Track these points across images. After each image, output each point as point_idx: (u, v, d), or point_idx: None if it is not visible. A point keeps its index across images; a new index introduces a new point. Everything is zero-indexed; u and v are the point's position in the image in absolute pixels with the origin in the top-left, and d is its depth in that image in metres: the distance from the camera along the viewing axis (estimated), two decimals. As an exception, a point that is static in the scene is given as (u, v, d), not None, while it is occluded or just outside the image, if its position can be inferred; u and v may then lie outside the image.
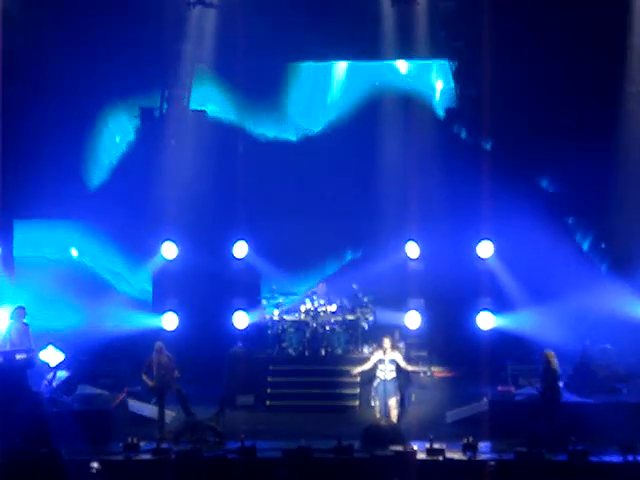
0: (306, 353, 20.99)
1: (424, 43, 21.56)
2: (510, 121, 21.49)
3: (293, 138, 23.65)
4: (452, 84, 22.11)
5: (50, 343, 19.61)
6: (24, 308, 19.20)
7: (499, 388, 19.08)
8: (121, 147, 23.15)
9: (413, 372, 19.10)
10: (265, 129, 23.54)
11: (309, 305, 21.31)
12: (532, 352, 19.99)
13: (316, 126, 23.66)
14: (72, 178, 22.12)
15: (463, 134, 22.40)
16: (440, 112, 22.85)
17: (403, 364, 18.31)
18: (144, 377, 18.63)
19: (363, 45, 22.09)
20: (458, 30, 21.47)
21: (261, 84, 22.70)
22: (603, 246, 21.96)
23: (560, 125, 21.37)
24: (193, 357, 21.07)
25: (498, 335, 20.88)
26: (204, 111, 22.57)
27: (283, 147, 23.46)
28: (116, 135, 23.15)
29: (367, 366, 18.46)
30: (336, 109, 23.54)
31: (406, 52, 22.00)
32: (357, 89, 23.29)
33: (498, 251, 21.21)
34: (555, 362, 17.40)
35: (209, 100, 23.15)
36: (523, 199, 20.62)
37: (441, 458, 16.29)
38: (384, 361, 18.44)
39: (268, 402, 20.05)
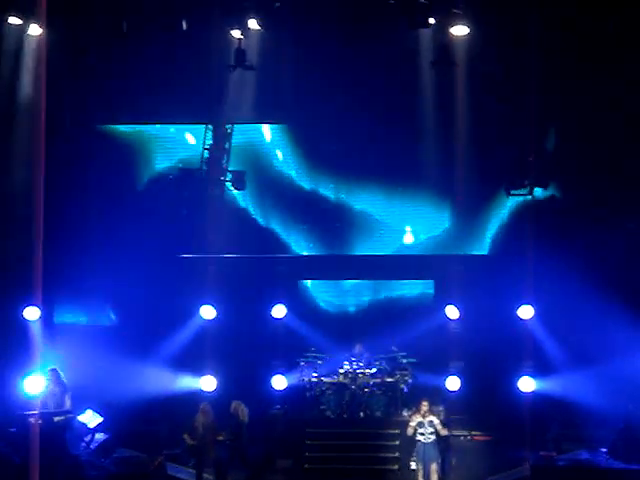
0: (345, 416, 20.80)
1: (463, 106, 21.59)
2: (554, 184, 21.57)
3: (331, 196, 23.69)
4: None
5: (88, 406, 19.68)
6: (57, 370, 19.32)
7: (541, 453, 18.84)
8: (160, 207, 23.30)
9: (448, 435, 18.83)
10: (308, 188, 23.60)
11: (348, 367, 21.17)
12: (574, 416, 19.75)
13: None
14: (112, 241, 22.26)
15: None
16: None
17: (439, 428, 18.12)
18: (185, 436, 18.61)
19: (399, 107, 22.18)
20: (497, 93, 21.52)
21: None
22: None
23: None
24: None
25: (540, 398, 20.59)
26: (244, 172, 22.64)
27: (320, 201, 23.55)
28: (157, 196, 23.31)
29: (409, 431, 18.29)
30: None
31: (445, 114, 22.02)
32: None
33: (539, 313, 21.02)
34: None
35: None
36: (565, 261, 20.52)
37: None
38: (424, 424, 18.31)
39: (306, 465, 19.86)
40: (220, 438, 18.82)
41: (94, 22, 20.71)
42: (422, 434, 18.31)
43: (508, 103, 21.50)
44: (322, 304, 23.04)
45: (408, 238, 23.37)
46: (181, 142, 23.27)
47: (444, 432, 18.35)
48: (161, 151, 23.23)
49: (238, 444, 19.15)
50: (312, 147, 22.93)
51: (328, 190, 23.26)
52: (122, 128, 22.96)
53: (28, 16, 20.31)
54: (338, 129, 22.34)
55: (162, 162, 23.28)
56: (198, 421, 18.70)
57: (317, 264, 23.21)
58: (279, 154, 23.29)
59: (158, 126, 23.10)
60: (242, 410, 19.40)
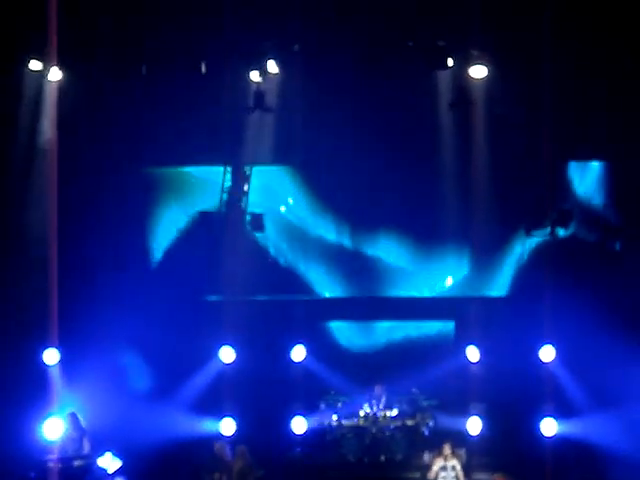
0: (365, 460, 20.66)
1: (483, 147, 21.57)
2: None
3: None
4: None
5: (107, 450, 19.57)
6: (75, 414, 19.25)
7: (564, 497, 18.66)
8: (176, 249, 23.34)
9: None
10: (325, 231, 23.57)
11: (368, 410, 21.04)
12: (598, 460, 19.53)
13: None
14: (131, 281, 22.25)
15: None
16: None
17: (460, 475, 17.99)
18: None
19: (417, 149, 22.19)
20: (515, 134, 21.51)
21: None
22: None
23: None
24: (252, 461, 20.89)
25: (562, 442, 20.37)
26: (262, 214, 22.64)
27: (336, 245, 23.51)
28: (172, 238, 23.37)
29: (431, 476, 18.13)
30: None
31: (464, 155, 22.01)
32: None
33: (561, 354, 20.87)
34: None
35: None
36: (585, 301, 20.40)
37: None
38: (446, 468, 18.18)
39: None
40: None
41: (114, 65, 20.77)
42: (444, 478, 18.18)
43: (526, 143, 21.49)
44: (342, 345, 22.89)
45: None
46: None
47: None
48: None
49: None
50: (326, 190, 22.94)
51: (344, 235, 23.27)
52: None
53: (48, 61, 20.40)
54: (354, 172, 22.35)
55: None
56: (236, 464, 18.80)
57: (336, 306, 23.13)
58: (290, 200, 23.34)
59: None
60: (226, 450, 19.41)
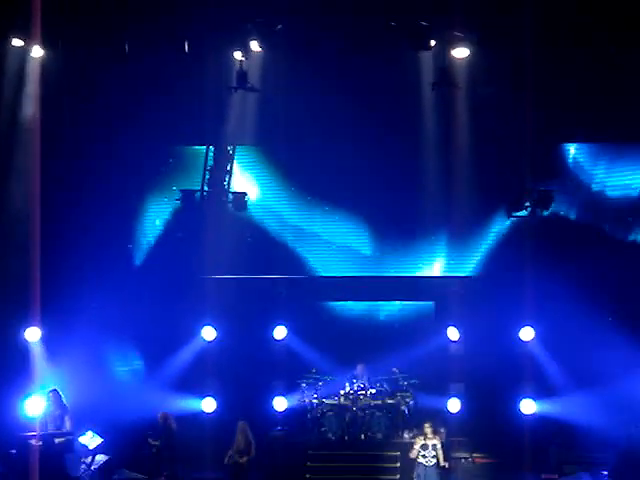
0: (346, 438, 20.73)
1: (464, 129, 21.63)
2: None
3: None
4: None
5: (89, 428, 19.63)
6: (57, 391, 19.28)
7: (543, 476, 18.80)
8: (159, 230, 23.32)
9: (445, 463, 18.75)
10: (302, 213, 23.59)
11: (349, 388, 21.13)
12: (576, 438, 19.72)
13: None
14: (112, 261, 22.25)
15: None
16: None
17: (440, 455, 18.11)
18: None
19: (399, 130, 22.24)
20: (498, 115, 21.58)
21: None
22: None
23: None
24: (232, 441, 20.98)
25: (541, 420, 20.59)
26: (245, 193, 22.66)
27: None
28: (156, 219, 23.31)
29: (413, 454, 18.23)
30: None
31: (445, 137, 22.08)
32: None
33: (540, 335, 21.01)
34: None
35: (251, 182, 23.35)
36: (565, 281, 20.54)
37: None
38: (427, 447, 18.30)
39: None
40: (242, 460, 19.14)
41: (96, 43, 20.72)
42: (424, 456, 18.29)
43: (508, 125, 21.57)
44: (323, 325, 22.93)
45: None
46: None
47: (443, 462, 18.31)
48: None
49: (169, 455, 19.32)
50: (305, 171, 22.94)
51: (322, 214, 23.32)
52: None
53: (31, 38, 20.35)
54: (334, 152, 22.36)
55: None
56: (236, 439, 19.13)
57: (318, 285, 23.20)
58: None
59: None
60: (171, 419, 19.58)
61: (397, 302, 23.27)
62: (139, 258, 23.15)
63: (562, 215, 22.33)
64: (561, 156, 22.45)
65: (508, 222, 22.29)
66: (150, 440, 19.37)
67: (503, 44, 20.78)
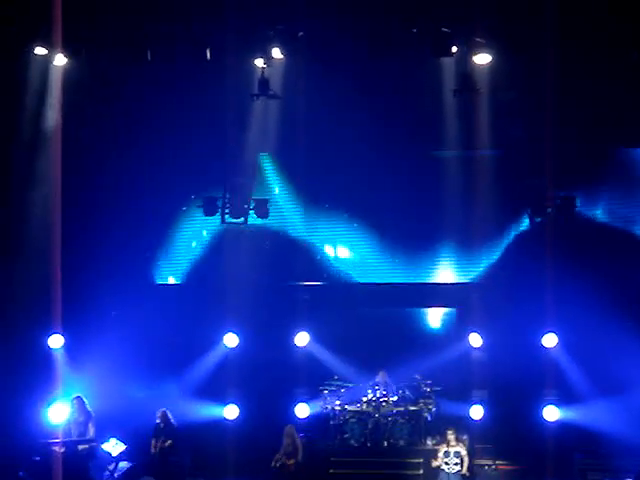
0: (368, 444, 20.74)
1: (485, 134, 21.60)
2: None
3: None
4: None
5: (112, 435, 19.68)
6: (81, 398, 19.34)
7: (567, 483, 18.74)
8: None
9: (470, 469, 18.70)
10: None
11: (371, 395, 21.11)
12: (600, 446, 19.63)
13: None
14: (135, 268, 22.35)
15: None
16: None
17: (465, 461, 18.07)
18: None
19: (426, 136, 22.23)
20: (520, 120, 21.53)
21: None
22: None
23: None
24: (254, 447, 21.00)
25: (564, 427, 20.49)
26: (267, 200, 22.68)
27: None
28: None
29: (438, 462, 18.19)
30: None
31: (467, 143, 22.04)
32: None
33: (564, 341, 20.94)
34: None
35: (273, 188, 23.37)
36: (589, 286, 20.45)
37: None
38: (449, 454, 18.28)
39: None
40: (290, 462, 19.27)
41: (118, 51, 20.75)
42: (447, 464, 18.30)
43: (530, 130, 21.54)
44: (345, 331, 22.91)
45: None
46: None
47: (465, 471, 18.27)
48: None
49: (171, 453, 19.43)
50: (326, 177, 22.95)
51: (341, 220, 23.31)
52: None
53: (53, 46, 20.42)
54: (355, 159, 22.36)
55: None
56: (284, 443, 19.30)
57: (340, 292, 23.20)
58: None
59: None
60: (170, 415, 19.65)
61: (419, 309, 23.28)
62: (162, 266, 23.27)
63: (586, 219, 22.27)
64: (585, 160, 22.36)
65: (530, 227, 22.25)
66: (156, 442, 19.37)
67: (525, 49, 20.69)
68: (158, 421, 19.68)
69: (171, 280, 23.64)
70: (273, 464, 19.29)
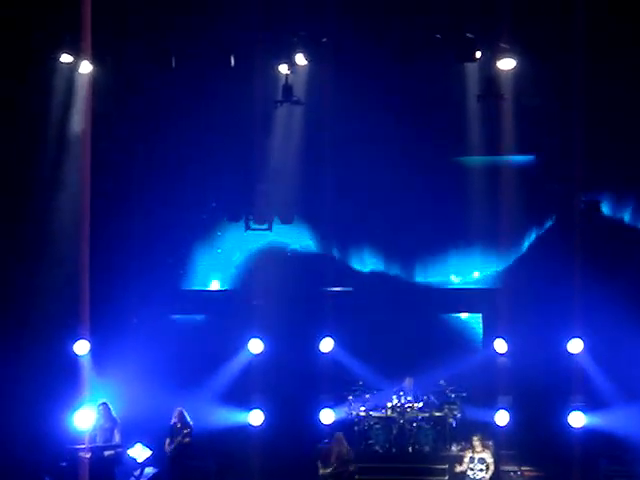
0: (393, 450, 20.71)
1: (509, 139, 21.56)
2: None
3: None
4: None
5: (138, 441, 19.74)
6: (107, 404, 19.40)
7: (593, 490, 18.66)
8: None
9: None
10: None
11: (396, 401, 21.09)
12: (626, 452, 19.54)
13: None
14: (160, 274, 22.44)
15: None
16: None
17: (491, 467, 18.03)
18: (319, 464, 18.96)
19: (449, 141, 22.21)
20: (544, 126, 21.47)
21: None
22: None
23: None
24: (279, 453, 21.05)
25: (590, 434, 20.41)
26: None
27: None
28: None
29: (464, 467, 18.14)
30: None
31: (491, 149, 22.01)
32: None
33: (589, 346, 20.86)
34: None
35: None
36: (616, 291, 20.40)
37: None
38: (474, 460, 18.25)
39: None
40: (352, 469, 19.14)
41: (143, 59, 20.84)
42: (472, 469, 18.26)
43: (555, 136, 21.50)
44: (370, 336, 22.88)
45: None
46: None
47: (490, 477, 18.23)
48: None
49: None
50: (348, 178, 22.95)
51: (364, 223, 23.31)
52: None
53: (79, 54, 20.54)
54: (380, 164, 22.37)
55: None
56: (333, 450, 18.96)
57: (364, 297, 23.20)
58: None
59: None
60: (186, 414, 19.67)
61: (445, 314, 23.27)
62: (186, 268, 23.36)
63: (614, 223, 22.19)
64: (613, 164, 22.24)
65: (556, 232, 22.19)
66: (171, 441, 19.43)
67: (550, 54, 20.68)
68: (175, 420, 19.66)
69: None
70: (329, 471, 19.16)
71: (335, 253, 23.40)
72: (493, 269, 23.05)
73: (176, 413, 19.68)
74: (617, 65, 20.45)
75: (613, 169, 21.78)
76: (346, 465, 19.08)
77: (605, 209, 21.85)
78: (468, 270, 23.36)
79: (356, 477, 20.01)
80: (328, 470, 18.97)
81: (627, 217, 22.28)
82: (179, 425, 19.58)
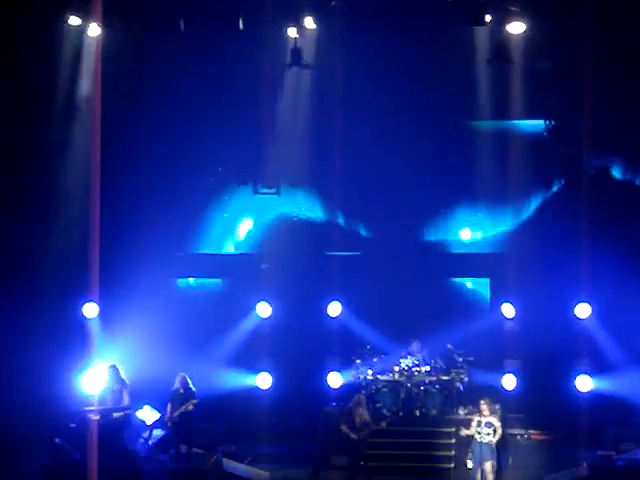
0: (400, 414, 20.79)
1: (519, 103, 21.48)
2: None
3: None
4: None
5: (146, 403, 19.84)
6: (116, 367, 19.49)
7: (599, 452, 18.67)
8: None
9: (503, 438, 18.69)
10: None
11: (403, 365, 21.14)
12: (632, 415, 19.59)
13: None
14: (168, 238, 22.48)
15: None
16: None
17: (499, 431, 18.08)
18: (344, 428, 18.90)
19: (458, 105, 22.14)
20: (554, 90, 21.39)
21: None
22: None
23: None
24: (287, 416, 21.18)
25: (597, 397, 20.48)
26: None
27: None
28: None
29: (471, 431, 18.18)
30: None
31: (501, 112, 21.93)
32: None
33: (597, 311, 20.88)
34: None
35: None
36: (623, 255, 20.40)
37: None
38: (481, 423, 18.26)
39: (362, 463, 19.86)
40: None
41: (152, 21, 20.80)
42: (479, 433, 18.27)
43: (565, 99, 21.42)
44: (378, 300, 22.90)
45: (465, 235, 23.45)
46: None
47: (497, 440, 18.28)
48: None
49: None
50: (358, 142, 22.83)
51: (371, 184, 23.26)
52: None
53: (87, 17, 20.50)
54: (388, 124, 22.28)
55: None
56: (355, 413, 19.04)
57: (371, 260, 23.20)
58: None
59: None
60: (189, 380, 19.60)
61: (453, 278, 23.29)
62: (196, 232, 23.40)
63: (622, 187, 22.13)
64: (623, 127, 22.10)
65: (565, 196, 22.14)
66: (172, 407, 19.44)
67: (559, 18, 20.59)
68: (177, 386, 19.53)
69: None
70: (352, 435, 19.07)
71: (341, 219, 23.39)
72: (501, 229, 23.01)
73: (179, 379, 19.59)
74: (628, 29, 20.34)
75: (623, 134, 21.72)
76: (368, 428, 19.23)
77: (615, 172, 21.75)
78: (476, 228, 23.34)
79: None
80: (357, 436, 19.05)
81: (638, 181, 22.24)
82: (182, 391, 19.53)
